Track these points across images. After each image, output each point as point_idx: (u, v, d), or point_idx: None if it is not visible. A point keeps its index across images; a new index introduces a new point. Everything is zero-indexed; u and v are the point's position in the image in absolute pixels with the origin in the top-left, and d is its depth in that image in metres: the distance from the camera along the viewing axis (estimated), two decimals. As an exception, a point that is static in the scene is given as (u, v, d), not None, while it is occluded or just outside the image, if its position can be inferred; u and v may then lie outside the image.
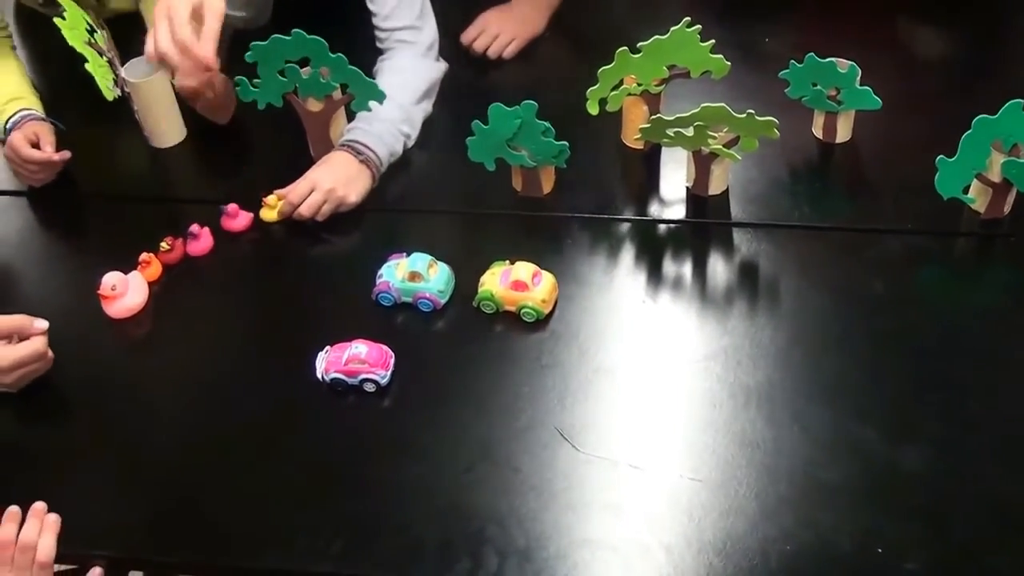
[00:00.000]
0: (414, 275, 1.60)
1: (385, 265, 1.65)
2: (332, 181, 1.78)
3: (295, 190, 1.78)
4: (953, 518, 1.32)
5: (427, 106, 1.94)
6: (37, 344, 1.52)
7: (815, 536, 1.30)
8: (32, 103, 1.91)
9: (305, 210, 1.77)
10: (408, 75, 1.92)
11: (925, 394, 1.46)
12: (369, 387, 1.49)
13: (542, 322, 1.58)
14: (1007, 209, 1.70)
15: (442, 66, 2.00)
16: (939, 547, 1.30)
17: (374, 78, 1.83)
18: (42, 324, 1.53)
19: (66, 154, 1.84)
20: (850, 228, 1.73)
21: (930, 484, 1.36)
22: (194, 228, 1.76)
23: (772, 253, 1.68)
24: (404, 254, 1.65)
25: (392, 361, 1.52)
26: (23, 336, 1.53)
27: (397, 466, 1.42)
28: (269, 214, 1.80)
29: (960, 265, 1.70)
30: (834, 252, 1.69)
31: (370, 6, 1.94)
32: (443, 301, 1.61)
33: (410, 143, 1.89)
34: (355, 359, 1.50)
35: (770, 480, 1.35)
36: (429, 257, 1.63)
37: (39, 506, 1.39)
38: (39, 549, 1.35)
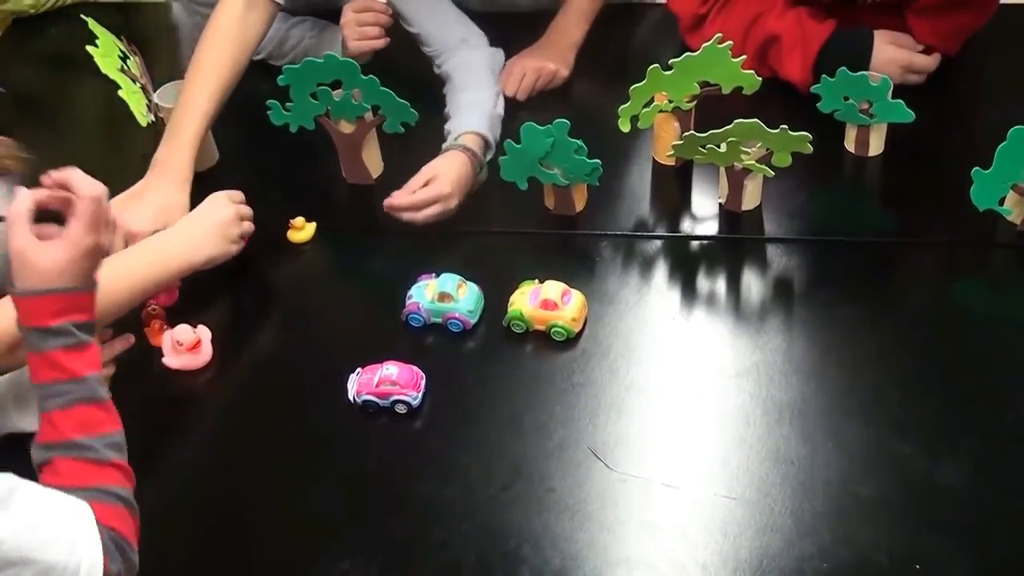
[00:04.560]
0: (443, 295, 1.59)
1: (415, 286, 1.64)
2: (451, 187, 1.73)
3: (420, 197, 1.72)
4: (993, 533, 1.30)
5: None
6: None
7: (853, 553, 1.28)
8: None
9: (419, 217, 1.72)
10: (477, 62, 1.94)
11: (963, 408, 1.44)
12: (401, 408, 1.48)
13: (572, 341, 1.57)
14: (1044, 219, 1.66)
15: (500, 53, 2.02)
16: (979, 563, 1.28)
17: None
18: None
19: None
20: (884, 241, 1.71)
21: (970, 499, 1.34)
22: None
23: (806, 268, 1.67)
24: (433, 275, 1.63)
25: (423, 382, 1.51)
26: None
27: (432, 487, 1.40)
28: (297, 236, 1.80)
29: (997, 277, 1.68)
30: (869, 265, 1.68)
31: (410, 29, 1.99)
32: (473, 321, 1.60)
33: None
34: (386, 381, 1.49)
35: (805, 497, 1.34)
36: (458, 277, 1.62)
37: None
38: None
